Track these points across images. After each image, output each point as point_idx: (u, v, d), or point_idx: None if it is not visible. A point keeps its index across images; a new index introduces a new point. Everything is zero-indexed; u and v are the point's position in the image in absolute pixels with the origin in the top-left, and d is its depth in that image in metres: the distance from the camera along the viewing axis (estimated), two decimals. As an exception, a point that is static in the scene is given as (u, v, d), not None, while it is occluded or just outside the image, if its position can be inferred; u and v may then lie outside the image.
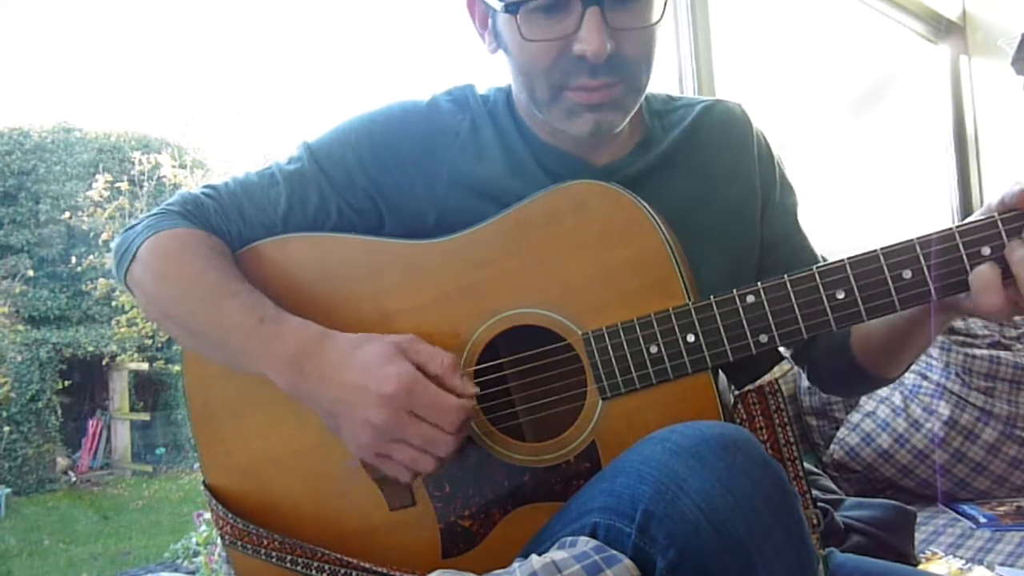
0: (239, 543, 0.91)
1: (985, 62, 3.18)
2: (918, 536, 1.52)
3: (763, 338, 0.78)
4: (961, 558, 1.48)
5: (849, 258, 0.76)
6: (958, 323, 1.92)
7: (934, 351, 1.91)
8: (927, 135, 3.30)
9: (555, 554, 0.66)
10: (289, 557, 0.87)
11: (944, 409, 1.84)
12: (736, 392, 0.87)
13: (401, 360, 0.78)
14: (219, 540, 0.95)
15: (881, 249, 0.75)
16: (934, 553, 1.51)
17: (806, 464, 1.47)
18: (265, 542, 0.89)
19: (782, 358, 1.00)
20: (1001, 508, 1.73)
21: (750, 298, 0.78)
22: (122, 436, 6.02)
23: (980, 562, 1.46)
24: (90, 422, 5.91)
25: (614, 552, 0.65)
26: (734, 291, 0.79)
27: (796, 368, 1.08)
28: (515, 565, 0.69)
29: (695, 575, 0.62)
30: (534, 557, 0.67)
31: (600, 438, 0.82)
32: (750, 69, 2.42)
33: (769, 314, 0.78)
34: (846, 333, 0.97)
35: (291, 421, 0.90)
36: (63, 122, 6.15)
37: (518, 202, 0.87)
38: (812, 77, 2.90)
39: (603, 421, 0.82)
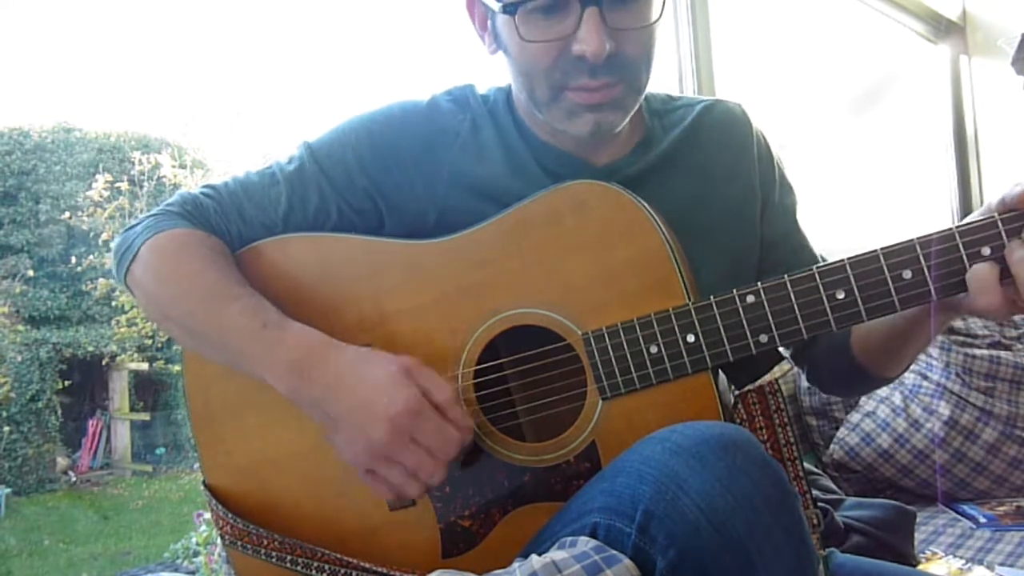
0: (239, 543, 0.91)
1: (985, 62, 3.18)
2: (918, 536, 1.52)
3: (763, 338, 0.78)
4: (961, 558, 1.48)
5: (849, 258, 0.76)
6: (958, 323, 1.92)
7: (934, 351, 1.91)
8: (927, 135, 3.30)
9: (555, 554, 0.66)
10: (289, 557, 0.87)
11: (944, 409, 1.84)
12: (736, 392, 0.87)
13: (409, 383, 0.78)
14: (219, 540, 0.95)
15: (881, 249, 0.75)
16: (934, 553, 1.51)
17: (806, 464, 1.47)
18: (265, 542, 0.89)
19: (782, 358, 1.00)
20: (1001, 508, 1.74)
21: (750, 298, 0.78)
22: (122, 436, 6.02)
23: (980, 562, 1.46)
24: (90, 422, 5.91)
25: (614, 552, 0.65)
26: (734, 291, 0.79)
27: (796, 368, 1.08)
28: (515, 565, 0.69)
29: (695, 575, 0.62)
30: (534, 557, 0.67)
31: (600, 438, 0.82)
32: (750, 69, 2.42)
33: (769, 314, 0.78)
34: (846, 333, 0.97)
35: (291, 422, 0.89)
36: (63, 122, 6.15)
37: (518, 202, 0.87)
38: (812, 77, 2.90)
39: (603, 421, 0.82)
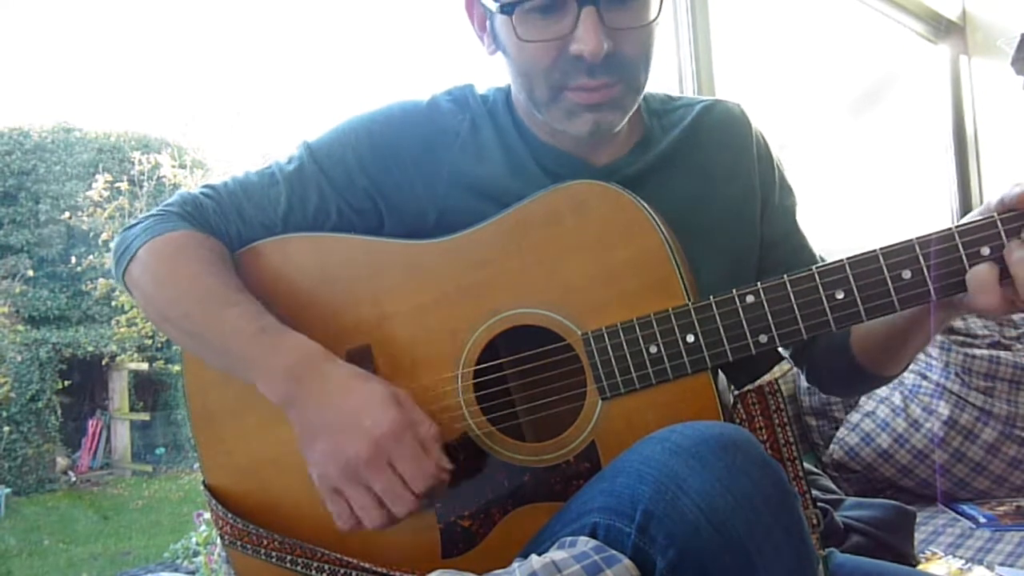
0: (239, 543, 0.91)
1: (985, 62, 3.18)
2: (918, 536, 1.52)
3: (763, 338, 0.78)
4: (961, 558, 1.48)
5: (848, 258, 0.76)
6: (958, 323, 1.92)
7: (934, 351, 1.91)
8: (927, 135, 3.30)
9: (555, 554, 0.66)
10: (289, 557, 0.87)
11: (944, 409, 1.84)
12: (736, 392, 0.87)
13: (398, 409, 0.78)
14: (219, 540, 0.95)
15: (880, 249, 0.75)
16: (934, 553, 1.51)
17: (806, 464, 1.47)
18: (265, 542, 0.89)
19: (782, 358, 1.00)
20: (1001, 508, 1.74)
21: (750, 298, 0.78)
22: (122, 436, 6.02)
23: (980, 562, 1.46)
24: (90, 422, 5.91)
25: (614, 552, 0.65)
26: (734, 291, 0.79)
27: (796, 368, 1.08)
28: (515, 565, 0.69)
29: (695, 575, 0.62)
30: (534, 557, 0.67)
31: (600, 438, 0.82)
32: (750, 69, 2.42)
33: (769, 314, 0.78)
34: (845, 333, 0.97)
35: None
36: (63, 122, 6.16)
37: (518, 202, 0.87)
38: (812, 77, 2.90)
39: (603, 421, 0.82)
